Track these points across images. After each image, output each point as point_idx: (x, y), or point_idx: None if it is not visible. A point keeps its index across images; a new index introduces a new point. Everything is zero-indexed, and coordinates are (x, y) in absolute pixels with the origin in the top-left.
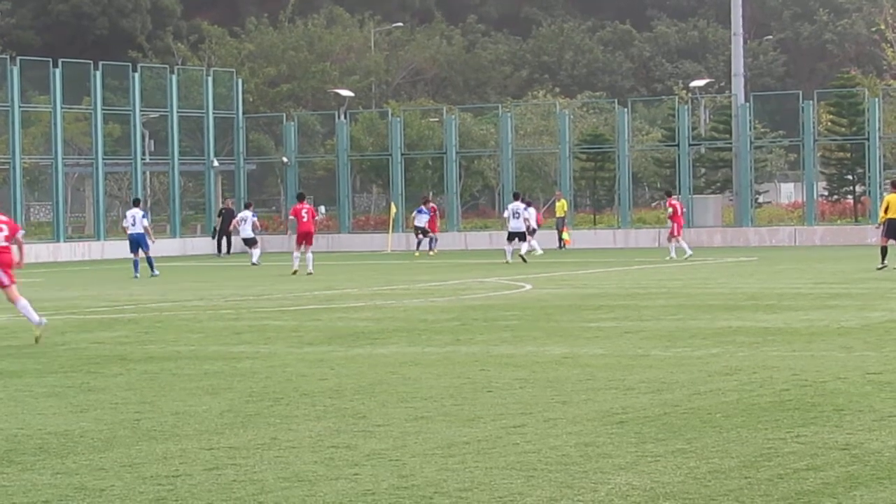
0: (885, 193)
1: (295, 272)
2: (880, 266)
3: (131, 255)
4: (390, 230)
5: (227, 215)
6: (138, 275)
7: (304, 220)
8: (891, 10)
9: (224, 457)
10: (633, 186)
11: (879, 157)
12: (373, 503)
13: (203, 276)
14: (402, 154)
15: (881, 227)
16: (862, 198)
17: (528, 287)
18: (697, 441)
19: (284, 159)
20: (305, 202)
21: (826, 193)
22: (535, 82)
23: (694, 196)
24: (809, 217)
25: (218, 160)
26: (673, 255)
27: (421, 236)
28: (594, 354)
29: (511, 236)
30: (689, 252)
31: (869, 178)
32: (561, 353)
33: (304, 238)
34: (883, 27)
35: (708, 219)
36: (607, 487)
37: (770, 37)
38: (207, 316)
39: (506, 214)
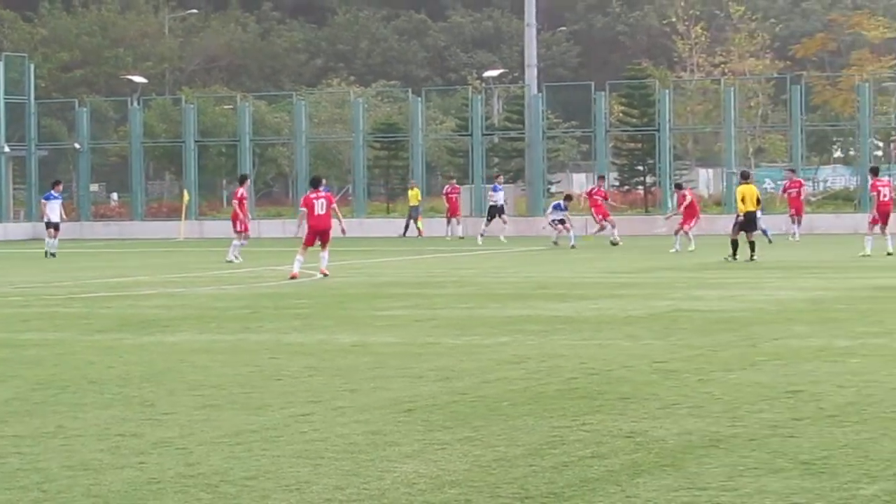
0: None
1: (294, 276)
2: (730, 258)
3: None
4: (183, 217)
5: None
6: None
7: (320, 212)
8: (682, 3)
9: (8, 445)
10: (427, 175)
11: (669, 147)
12: (158, 491)
13: None
14: (195, 141)
15: (739, 218)
16: (652, 188)
17: (320, 276)
18: (484, 429)
19: (77, 145)
20: (321, 189)
21: (617, 184)
22: (330, 70)
23: (486, 186)
24: None
25: (9, 146)
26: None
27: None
28: (385, 342)
29: None
30: (676, 249)
31: (659, 168)
32: (351, 342)
33: (320, 235)
34: (674, 19)
35: None
36: (393, 475)
37: (563, 28)
38: None
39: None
